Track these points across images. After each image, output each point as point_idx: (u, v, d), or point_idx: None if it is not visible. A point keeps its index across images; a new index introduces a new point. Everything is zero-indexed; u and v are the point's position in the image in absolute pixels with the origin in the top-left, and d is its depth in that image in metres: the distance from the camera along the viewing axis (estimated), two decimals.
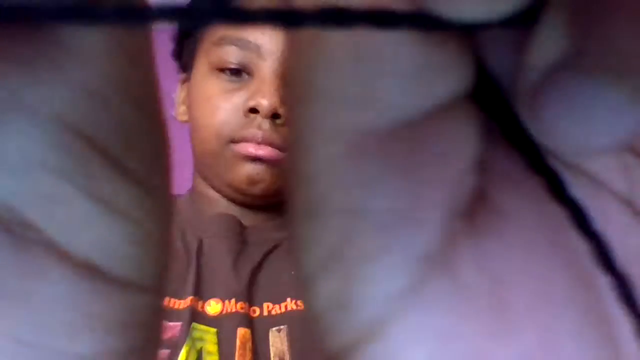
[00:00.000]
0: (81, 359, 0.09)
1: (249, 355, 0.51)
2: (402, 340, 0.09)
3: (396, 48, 0.09)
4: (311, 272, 0.10)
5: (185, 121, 0.63)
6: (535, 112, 0.09)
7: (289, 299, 0.56)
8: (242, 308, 0.53)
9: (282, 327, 0.54)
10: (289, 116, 0.10)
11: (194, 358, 0.51)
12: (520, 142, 0.10)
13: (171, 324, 0.51)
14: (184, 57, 0.63)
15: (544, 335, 0.09)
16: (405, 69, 0.09)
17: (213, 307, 0.53)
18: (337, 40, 0.09)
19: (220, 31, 0.58)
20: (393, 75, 0.09)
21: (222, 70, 0.57)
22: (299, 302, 0.56)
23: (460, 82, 0.09)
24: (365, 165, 0.09)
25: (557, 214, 0.10)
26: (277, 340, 0.53)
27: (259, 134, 0.55)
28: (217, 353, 0.51)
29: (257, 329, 0.53)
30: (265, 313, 0.55)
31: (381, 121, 0.09)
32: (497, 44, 0.09)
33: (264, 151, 0.55)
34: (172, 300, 0.53)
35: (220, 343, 0.52)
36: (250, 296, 0.54)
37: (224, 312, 0.53)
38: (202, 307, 0.53)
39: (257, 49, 0.56)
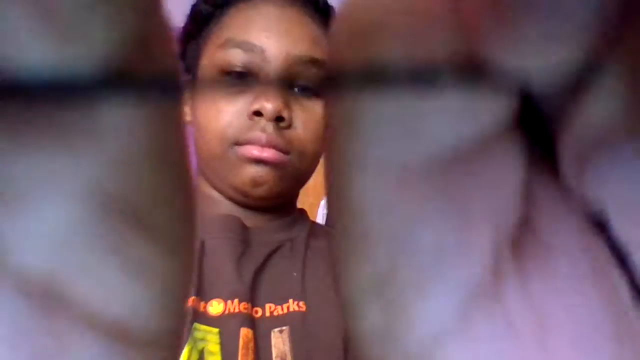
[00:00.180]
0: None
1: (251, 355, 0.51)
2: None
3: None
4: (356, 298, 0.10)
5: (188, 122, 0.63)
6: (580, 173, 0.09)
7: (291, 300, 0.56)
8: (245, 308, 0.53)
9: (284, 328, 0.54)
10: (331, 146, 0.10)
11: (195, 358, 0.51)
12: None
13: None
14: (188, 58, 0.63)
15: None
16: (453, 100, 0.09)
17: (215, 307, 0.53)
18: None
19: (225, 34, 0.58)
20: (440, 107, 0.09)
21: (226, 73, 0.57)
22: (300, 304, 0.56)
23: (505, 110, 0.09)
24: (412, 197, 0.09)
25: (598, 244, 0.10)
26: (279, 341, 0.54)
27: (263, 137, 0.55)
28: (219, 353, 0.51)
29: (260, 330, 0.53)
30: (268, 314, 0.55)
31: (428, 153, 0.09)
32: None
33: (268, 154, 0.56)
34: None
35: (222, 343, 0.52)
36: (252, 297, 0.55)
37: (227, 312, 0.53)
38: (204, 307, 0.53)
39: (261, 52, 0.56)
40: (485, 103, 0.09)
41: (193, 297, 0.53)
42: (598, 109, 0.08)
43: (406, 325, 0.09)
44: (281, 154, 0.57)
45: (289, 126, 0.57)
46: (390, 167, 0.09)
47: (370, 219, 0.09)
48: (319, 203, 1.97)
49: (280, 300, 0.56)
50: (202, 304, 0.53)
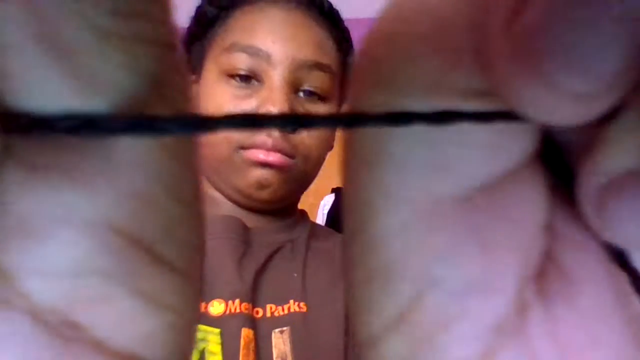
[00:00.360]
0: None
1: (252, 356, 0.52)
2: None
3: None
4: (377, 333, 0.10)
5: None
6: (601, 213, 0.09)
7: (291, 301, 0.56)
8: (246, 309, 0.53)
9: (284, 328, 0.54)
10: (352, 178, 0.10)
11: (196, 358, 0.51)
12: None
13: None
14: (193, 60, 0.63)
15: None
16: (483, 137, 0.09)
17: (216, 307, 0.53)
18: None
19: (230, 37, 0.58)
20: (470, 144, 0.09)
21: (231, 76, 0.57)
22: (301, 304, 0.56)
23: (530, 145, 0.09)
24: (439, 232, 0.09)
25: (619, 276, 0.10)
26: (280, 342, 0.54)
27: (268, 141, 0.56)
28: (220, 353, 0.52)
29: (260, 330, 0.53)
30: (268, 314, 0.55)
31: (455, 188, 0.09)
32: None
33: (273, 157, 0.56)
34: None
35: (223, 343, 0.52)
36: (253, 297, 0.55)
37: (228, 312, 0.53)
38: (205, 307, 0.54)
39: (267, 57, 0.56)
40: (513, 138, 0.09)
41: None
42: (619, 147, 0.08)
43: (431, 358, 0.09)
44: (286, 158, 0.57)
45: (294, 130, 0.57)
46: (419, 202, 0.09)
47: (395, 253, 0.09)
48: (319, 203, 1.97)
49: (281, 301, 0.56)
50: (203, 304, 0.54)
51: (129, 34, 0.08)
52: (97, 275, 0.09)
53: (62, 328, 0.09)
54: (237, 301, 0.53)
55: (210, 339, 0.52)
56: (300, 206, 0.68)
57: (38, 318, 0.08)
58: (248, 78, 0.57)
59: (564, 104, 0.08)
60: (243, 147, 0.57)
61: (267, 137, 0.56)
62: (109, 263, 0.09)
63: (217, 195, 0.61)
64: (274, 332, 0.54)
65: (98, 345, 0.09)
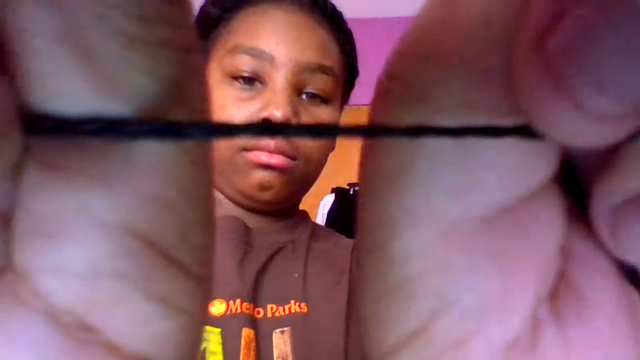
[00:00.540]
0: None
1: (252, 356, 0.52)
2: None
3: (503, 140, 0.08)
4: (389, 349, 0.10)
5: None
6: (614, 232, 0.09)
7: (292, 301, 0.56)
8: (247, 309, 0.53)
9: (285, 328, 0.54)
10: (372, 193, 0.10)
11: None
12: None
13: None
14: None
15: None
16: (509, 157, 0.09)
17: (217, 307, 0.54)
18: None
19: (234, 39, 0.58)
20: (497, 165, 0.09)
21: (235, 78, 0.57)
22: (302, 305, 0.56)
23: (553, 166, 0.09)
24: (458, 252, 0.09)
25: (633, 295, 0.10)
26: (281, 342, 0.54)
27: (271, 144, 0.56)
28: (220, 353, 0.52)
29: (261, 331, 0.53)
30: (269, 315, 0.55)
31: (479, 208, 0.09)
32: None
33: (276, 159, 0.56)
34: None
35: (224, 343, 0.52)
36: (254, 297, 0.55)
37: (229, 312, 0.53)
38: None
39: (271, 60, 0.57)
40: (536, 159, 0.09)
41: None
42: (635, 168, 0.08)
43: None
44: (288, 160, 0.57)
45: None
46: (441, 221, 0.09)
47: (414, 271, 0.09)
48: (319, 203, 1.98)
49: (282, 301, 0.56)
50: None
51: (153, 39, 0.08)
52: (114, 277, 0.09)
53: (76, 330, 0.09)
54: (238, 301, 0.53)
55: (211, 339, 0.53)
56: (300, 206, 0.68)
57: (53, 319, 0.08)
58: (251, 80, 0.57)
59: (591, 126, 0.07)
60: (245, 149, 0.57)
61: (269, 139, 0.56)
62: (126, 266, 0.09)
63: (218, 195, 0.61)
64: (275, 332, 0.54)
65: (111, 348, 0.09)
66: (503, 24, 0.08)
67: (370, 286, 0.10)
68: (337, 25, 0.62)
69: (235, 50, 0.58)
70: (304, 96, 0.58)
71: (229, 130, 0.08)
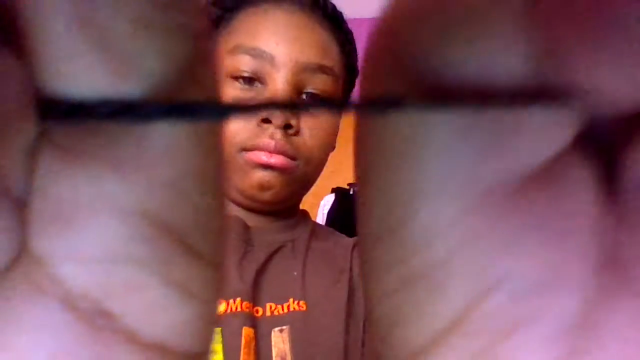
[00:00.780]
0: None
1: (252, 354, 0.52)
2: None
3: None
4: (418, 349, 0.09)
5: None
6: None
7: (291, 299, 0.56)
8: (246, 308, 0.54)
9: (284, 327, 0.54)
10: (377, 174, 0.09)
11: None
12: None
13: None
14: None
15: None
16: (534, 118, 0.08)
17: None
18: None
19: (234, 39, 0.59)
20: (521, 126, 0.08)
21: (235, 78, 0.58)
22: (301, 303, 0.56)
23: (578, 126, 0.08)
24: (495, 225, 0.08)
25: None
26: (279, 341, 0.54)
27: (271, 144, 0.56)
28: (221, 352, 0.52)
29: (260, 329, 0.54)
30: (268, 313, 0.55)
31: (507, 175, 0.08)
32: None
33: (276, 159, 0.56)
34: None
35: (224, 342, 0.52)
36: (254, 296, 0.55)
37: (228, 311, 0.53)
38: None
39: (271, 59, 0.57)
40: (561, 119, 0.08)
41: None
42: None
43: None
44: (289, 160, 0.57)
45: (297, 133, 0.58)
46: (467, 194, 0.08)
47: (444, 253, 0.08)
48: (319, 203, 1.98)
49: (281, 300, 0.56)
50: None
51: (165, 23, 0.08)
52: (130, 263, 0.09)
53: (94, 316, 0.08)
54: (237, 300, 0.54)
55: None
56: (300, 206, 0.68)
57: (70, 305, 0.08)
58: (251, 80, 0.58)
59: (629, 80, 0.07)
60: (245, 149, 0.57)
61: (269, 139, 0.56)
62: (143, 252, 0.09)
63: None
64: (274, 330, 0.54)
65: (129, 335, 0.09)
66: None
67: (382, 281, 0.09)
68: (337, 25, 0.62)
69: (236, 50, 0.58)
70: (304, 96, 0.59)
71: (241, 109, 0.09)
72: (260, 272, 0.57)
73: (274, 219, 0.62)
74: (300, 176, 0.59)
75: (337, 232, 0.68)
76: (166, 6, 0.08)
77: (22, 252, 0.08)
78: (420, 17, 0.08)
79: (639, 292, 0.08)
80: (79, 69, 0.08)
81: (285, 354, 0.54)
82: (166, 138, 0.09)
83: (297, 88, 0.58)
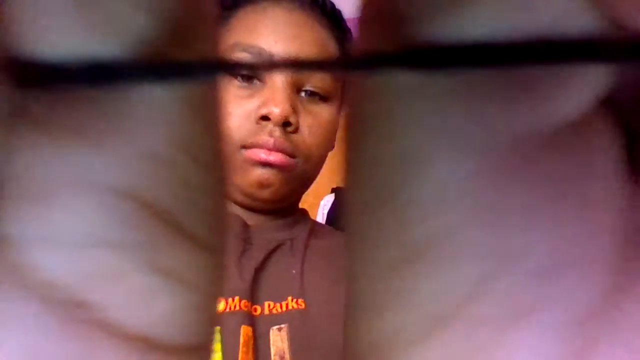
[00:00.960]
0: None
1: (251, 353, 0.52)
2: None
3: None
4: (412, 337, 0.07)
5: None
6: None
7: (290, 298, 0.56)
8: (245, 306, 0.54)
9: (282, 325, 0.54)
10: (363, 133, 0.08)
11: None
12: None
13: None
14: None
15: None
16: (557, 67, 0.07)
17: None
18: None
19: (233, 37, 0.59)
20: (542, 76, 0.07)
21: (234, 76, 0.57)
22: (299, 301, 0.56)
23: (604, 83, 0.07)
24: (511, 189, 0.07)
25: None
26: (278, 339, 0.54)
27: (270, 141, 0.56)
28: (219, 351, 0.52)
29: (259, 328, 0.53)
30: (267, 312, 0.55)
31: (526, 127, 0.07)
32: None
33: (275, 157, 0.56)
34: None
35: (223, 340, 0.52)
36: (252, 295, 0.55)
37: (227, 310, 0.53)
38: None
39: (269, 57, 0.57)
40: (583, 78, 0.07)
41: None
42: None
43: None
44: (288, 158, 0.57)
45: (296, 130, 0.58)
46: (476, 151, 0.07)
47: (448, 223, 0.07)
48: (319, 203, 1.97)
49: (279, 298, 0.56)
50: None
51: None
52: (109, 247, 0.08)
53: (71, 308, 0.08)
54: (236, 299, 0.54)
55: None
56: (300, 206, 0.68)
57: (47, 296, 0.08)
58: (250, 78, 0.58)
59: None
60: (245, 147, 0.57)
61: (268, 136, 0.56)
62: (123, 234, 0.08)
63: None
64: (272, 329, 0.54)
65: (112, 328, 0.08)
66: None
67: (373, 258, 0.08)
68: (336, 24, 0.62)
69: (234, 48, 0.58)
70: (302, 94, 0.59)
71: (231, 66, 0.08)
72: (259, 270, 0.57)
73: (273, 217, 0.62)
74: (299, 174, 0.59)
75: (337, 231, 0.68)
76: None
77: None
78: None
79: None
80: (57, 27, 0.07)
81: (284, 353, 0.54)
82: (146, 105, 0.08)
83: (296, 86, 0.58)
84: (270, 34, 0.57)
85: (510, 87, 0.07)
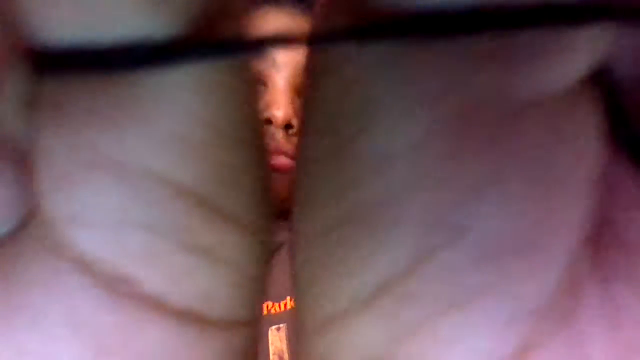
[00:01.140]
0: None
1: None
2: None
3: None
4: (338, 311, 0.07)
5: None
6: None
7: (288, 298, 0.57)
8: None
9: (281, 325, 0.55)
10: (328, 98, 0.07)
11: None
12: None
13: None
14: None
15: None
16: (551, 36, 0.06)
17: None
18: None
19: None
20: (520, 47, 0.06)
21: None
22: None
23: (592, 58, 0.07)
24: (473, 154, 0.06)
25: None
26: (276, 339, 0.54)
27: (272, 144, 0.56)
28: None
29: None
30: (265, 312, 0.55)
31: (500, 94, 0.06)
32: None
33: (277, 161, 0.57)
34: None
35: None
36: None
37: None
38: None
39: (271, 61, 0.57)
40: (571, 49, 0.06)
41: None
42: None
43: (429, 354, 0.06)
44: (290, 161, 0.57)
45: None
46: (430, 109, 0.06)
47: (394, 183, 0.06)
48: None
49: (278, 298, 0.56)
50: None
51: None
52: (141, 227, 0.08)
53: (113, 281, 0.08)
54: None
55: None
56: None
57: (87, 269, 0.08)
58: None
59: None
60: None
61: (270, 140, 0.56)
62: (157, 216, 0.08)
63: None
64: (271, 329, 0.54)
65: (154, 302, 0.08)
66: None
67: (314, 217, 0.07)
68: None
69: None
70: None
71: (258, 45, 0.07)
72: None
73: (274, 219, 0.62)
74: None
75: None
76: None
77: (34, 211, 0.08)
78: None
79: (637, 272, 0.07)
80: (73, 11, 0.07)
81: (283, 353, 0.54)
82: (166, 83, 0.07)
83: (298, 89, 0.58)
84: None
85: (486, 50, 0.06)
